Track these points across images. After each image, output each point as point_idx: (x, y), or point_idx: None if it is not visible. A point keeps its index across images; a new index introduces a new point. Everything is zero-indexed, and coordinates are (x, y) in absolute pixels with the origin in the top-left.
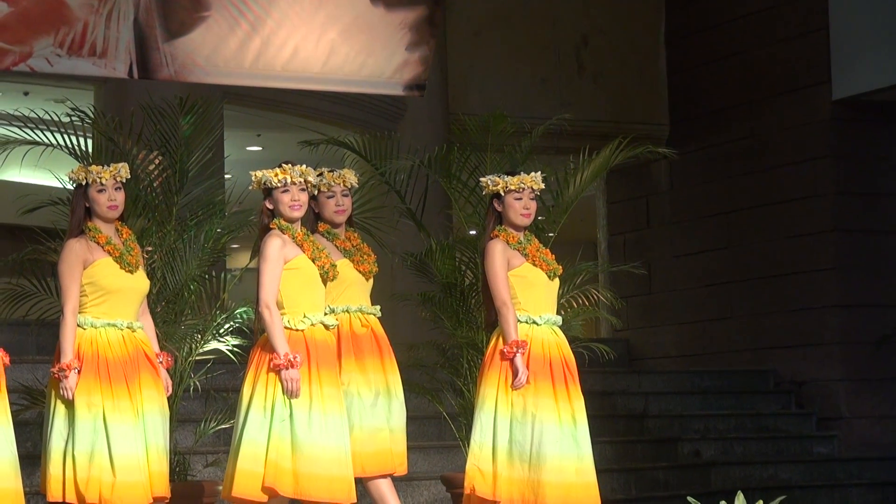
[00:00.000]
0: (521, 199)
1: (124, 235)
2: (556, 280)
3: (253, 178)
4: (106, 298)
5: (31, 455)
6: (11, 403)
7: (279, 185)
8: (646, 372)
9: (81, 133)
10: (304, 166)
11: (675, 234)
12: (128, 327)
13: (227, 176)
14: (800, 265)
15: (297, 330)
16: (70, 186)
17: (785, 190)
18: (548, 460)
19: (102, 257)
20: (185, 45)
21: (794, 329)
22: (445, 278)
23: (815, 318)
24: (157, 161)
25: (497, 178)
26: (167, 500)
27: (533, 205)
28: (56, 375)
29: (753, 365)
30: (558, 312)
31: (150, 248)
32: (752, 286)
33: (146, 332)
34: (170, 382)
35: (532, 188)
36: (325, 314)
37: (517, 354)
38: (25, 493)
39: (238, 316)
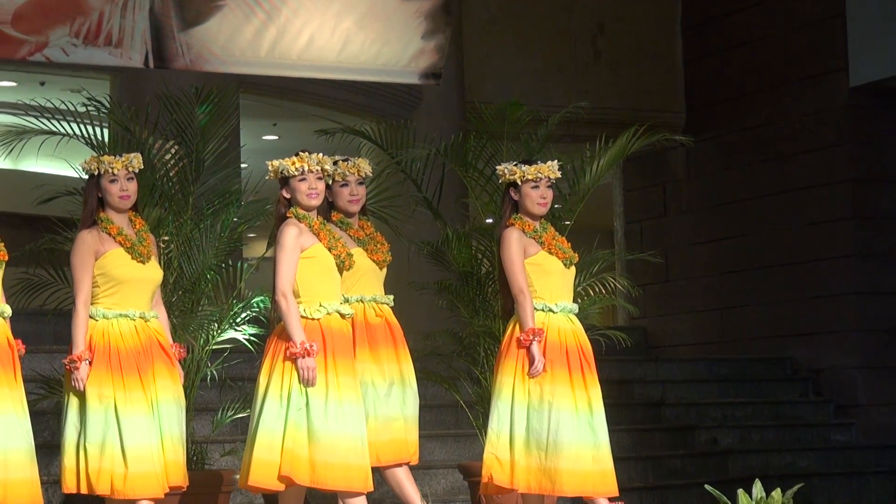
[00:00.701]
0: (537, 187)
1: (137, 226)
2: (573, 268)
3: (269, 167)
4: (118, 289)
5: (49, 444)
6: (29, 393)
7: (296, 173)
8: (663, 360)
9: (97, 123)
10: (320, 155)
11: (692, 222)
12: (140, 317)
13: (243, 165)
14: (817, 252)
15: (312, 319)
16: (84, 176)
17: (802, 177)
18: (564, 448)
19: (114, 248)
20: (201, 34)
21: (811, 317)
22: (462, 267)
23: (833, 306)
24: (173, 151)
25: (513, 167)
26: (184, 490)
27: (549, 193)
28: (68, 367)
29: (771, 353)
30: (575, 300)
31: (166, 238)
32: (769, 274)
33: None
34: (181, 374)
35: (548, 177)
36: (341, 303)
37: (534, 342)
38: (44, 483)
39: (255, 305)
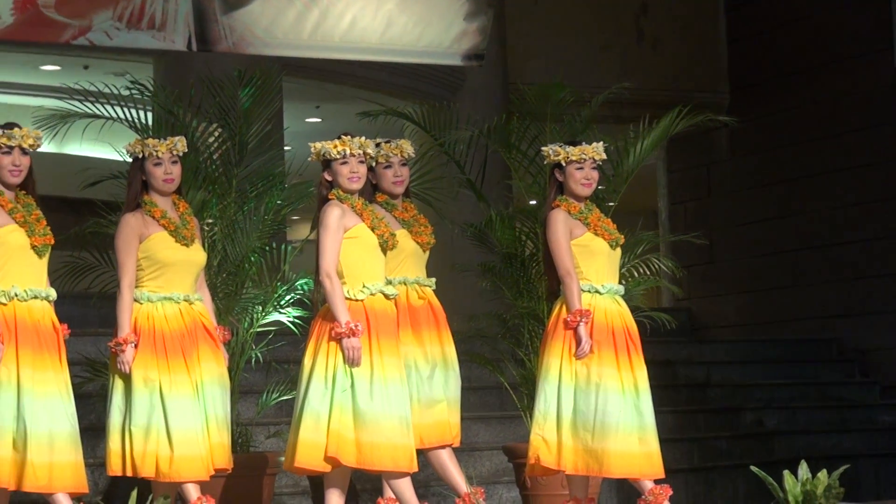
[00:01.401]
0: (582, 169)
1: (181, 209)
2: (619, 249)
3: (312, 149)
4: (162, 272)
5: (95, 427)
6: (74, 376)
7: (338, 156)
8: (708, 341)
9: (141, 106)
10: (362, 138)
11: (737, 203)
12: (185, 300)
13: (286, 148)
14: (863, 233)
15: (356, 300)
16: (128, 159)
17: (847, 157)
18: (611, 430)
19: (158, 231)
20: (244, 17)
21: (857, 297)
22: (506, 248)
23: (879, 287)
24: (216, 133)
25: (558, 149)
26: (229, 472)
27: (594, 175)
28: (113, 350)
29: (816, 333)
30: (620, 282)
31: (209, 221)
32: (814, 254)
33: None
34: (226, 356)
35: (593, 158)
36: (385, 283)
37: (580, 323)
38: (89, 466)
39: (299, 287)
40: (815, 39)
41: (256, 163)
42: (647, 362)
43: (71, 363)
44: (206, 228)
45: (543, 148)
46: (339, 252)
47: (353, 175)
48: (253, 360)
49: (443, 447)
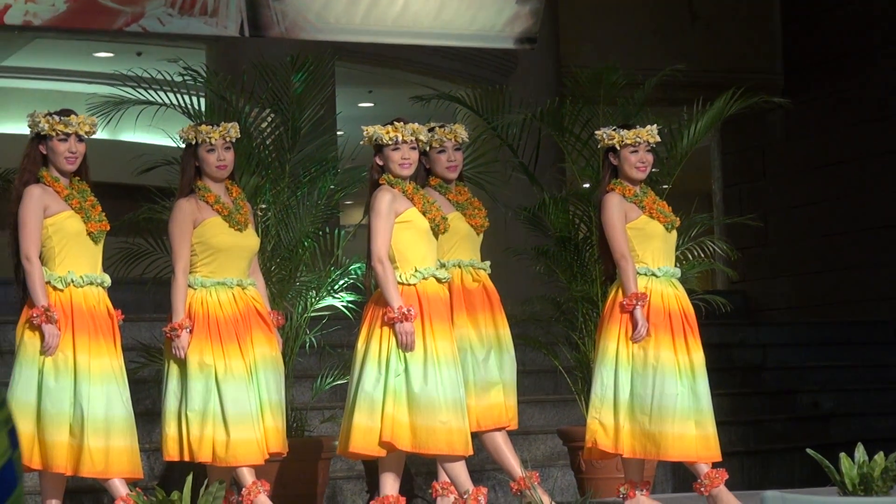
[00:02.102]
0: (636, 152)
1: (234, 194)
2: (674, 232)
3: (364, 133)
4: (215, 257)
5: (150, 412)
6: (129, 361)
7: (390, 142)
8: (763, 324)
9: (194, 92)
10: (415, 124)
11: (792, 185)
12: (238, 285)
13: (339, 132)
14: None
15: (409, 284)
16: (181, 146)
17: None
18: (668, 413)
19: (211, 216)
20: (296, 2)
21: None
22: (559, 232)
23: None
24: (269, 119)
25: (612, 132)
26: (284, 456)
27: (649, 158)
28: (168, 335)
29: (872, 315)
30: (676, 265)
31: (263, 206)
32: (871, 236)
33: (257, 290)
34: (280, 341)
35: (648, 141)
36: (437, 267)
37: (637, 307)
38: (145, 451)
39: (352, 272)
40: (871, 19)
41: (309, 148)
42: (702, 345)
43: (125, 349)
44: (260, 213)
45: (597, 132)
46: (391, 237)
47: (404, 161)
48: (307, 345)
49: (498, 430)
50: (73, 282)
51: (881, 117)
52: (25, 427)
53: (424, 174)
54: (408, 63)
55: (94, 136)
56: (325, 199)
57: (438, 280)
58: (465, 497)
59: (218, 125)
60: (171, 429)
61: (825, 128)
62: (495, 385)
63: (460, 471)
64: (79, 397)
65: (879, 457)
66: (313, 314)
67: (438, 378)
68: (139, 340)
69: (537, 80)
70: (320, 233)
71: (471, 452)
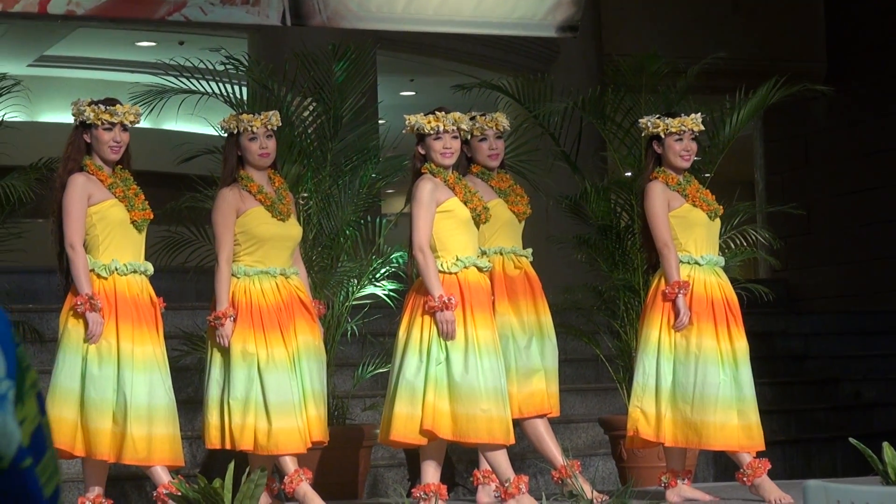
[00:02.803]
0: (681, 140)
1: (276, 183)
2: (718, 220)
3: (407, 122)
4: (258, 247)
5: (192, 401)
6: (171, 349)
7: (431, 132)
8: (805, 313)
9: (236, 81)
10: (457, 114)
11: (834, 173)
12: (281, 274)
13: (380, 121)
14: None
15: (449, 273)
16: (223, 135)
17: None
18: (710, 402)
19: (254, 206)
20: None
21: None
22: (601, 220)
23: None
24: (311, 108)
25: (656, 120)
26: (325, 445)
27: (693, 146)
28: (213, 323)
29: None
30: (719, 253)
31: (305, 195)
32: None
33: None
34: (322, 330)
35: (692, 129)
36: (478, 256)
37: (679, 295)
38: (187, 438)
39: (394, 260)
40: None
41: (351, 137)
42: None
43: (168, 337)
44: (301, 202)
45: (641, 120)
46: (432, 226)
47: (446, 150)
48: (349, 333)
49: (540, 417)
50: (116, 270)
51: None
52: (69, 414)
53: (466, 163)
54: (449, 52)
55: (136, 125)
56: (366, 187)
57: (479, 269)
58: (506, 485)
59: (259, 114)
60: (213, 417)
61: (868, 115)
62: (537, 372)
63: (501, 459)
64: (122, 385)
65: None
66: (355, 303)
67: (479, 367)
68: (181, 328)
69: (579, 68)
70: (362, 221)
71: (512, 441)
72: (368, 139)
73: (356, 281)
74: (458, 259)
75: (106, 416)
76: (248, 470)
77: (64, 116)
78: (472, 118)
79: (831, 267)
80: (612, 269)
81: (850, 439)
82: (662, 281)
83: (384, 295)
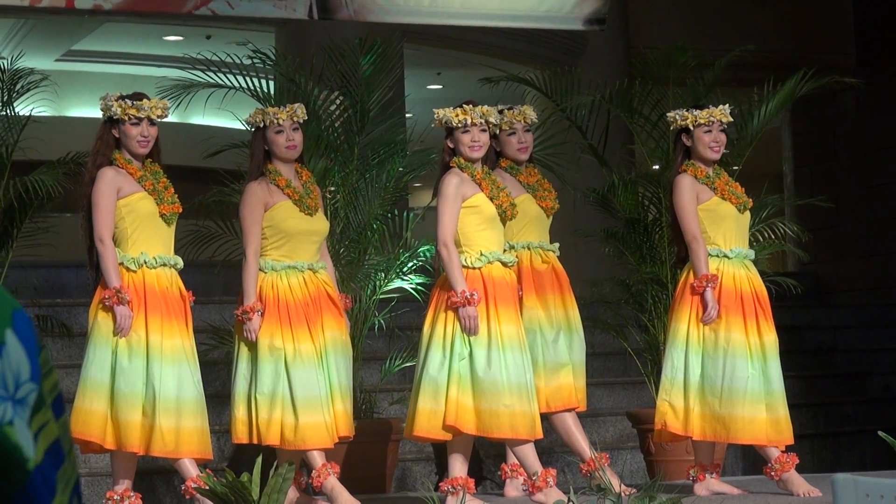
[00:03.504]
0: (710, 132)
1: (304, 177)
2: (747, 213)
3: (435, 116)
4: (286, 241)
5: (220, 394)
6: (199, 343)
7: (459, 125)
8: (834, 306)
9: (263, 75)
10: (485, 107)
11: (863, 165)
12: (309, 269)
13: (407, 115)
14: None
15: (473, 268)
16: (250, 129)
17: None
18: (739, 395)
19: (282, 200)
20: None
21: None
22: (629, 214)
23: None
24: (338, 101)
25: (685, 113)
26: (351, 439)
27: (722, 138)
28: (240, 318)
29: None
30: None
31: (332, 189)
32: None
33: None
34: (349, 324)
35: (721, 121)
36: (504, 251)
37: (707, 288)
38: (214, 432)
39: (421, 254)
40: None
41: (378, 130)
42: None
43: (195, 331)
44: (329, 196)
45: (669, 113)
46: (457, 221)
47: (474, 144)
48: (376, 327)
49: (568, 411)
50: (145, 263)
51: None
52: (100, 406)
53: (494, 157)
54: (476, 45)
55: (163, 119)
56: (393, 181)
57: (504, 264)
58: (533, 479)
59: (285, 106)
60: (240, 411)
61: None
62: (564, 366)
63: (529, 453)
64: (151, 377)
65: None
66: (382, 296)
67: (502, 362)
68: (209, 322)
69: (606, 61)
70: (389, 215)
71: (539, 436)
72: (395, 133)
73: (383, 275)
74: (482, 254)
75: (136, 409)
76: (275, 464)
77: (91, 111)
78: (501, 112)
79: (860, 259)
80: (640, 262)
81: (879, 433)
82: (691, 274)
83: (411, 289)
